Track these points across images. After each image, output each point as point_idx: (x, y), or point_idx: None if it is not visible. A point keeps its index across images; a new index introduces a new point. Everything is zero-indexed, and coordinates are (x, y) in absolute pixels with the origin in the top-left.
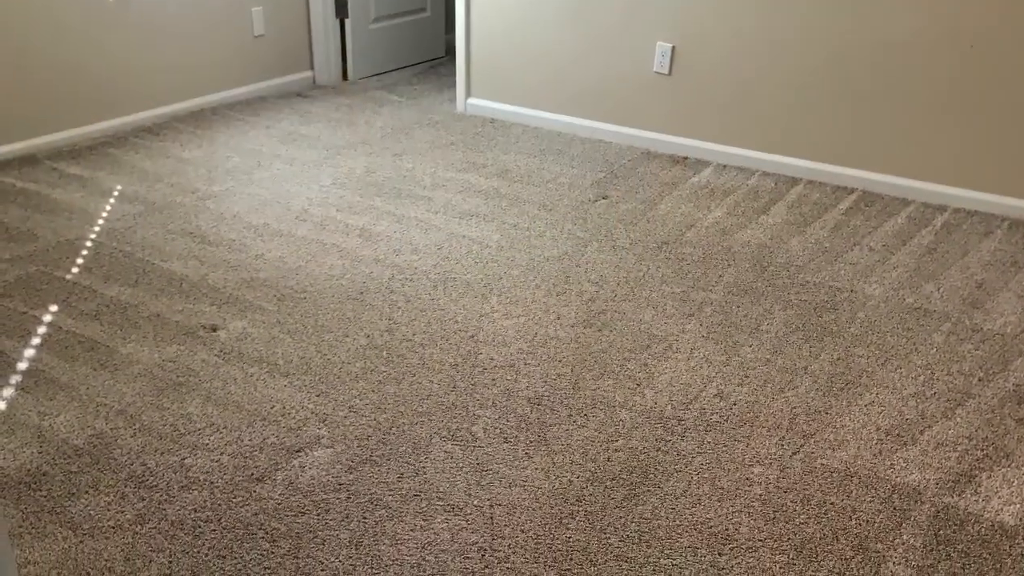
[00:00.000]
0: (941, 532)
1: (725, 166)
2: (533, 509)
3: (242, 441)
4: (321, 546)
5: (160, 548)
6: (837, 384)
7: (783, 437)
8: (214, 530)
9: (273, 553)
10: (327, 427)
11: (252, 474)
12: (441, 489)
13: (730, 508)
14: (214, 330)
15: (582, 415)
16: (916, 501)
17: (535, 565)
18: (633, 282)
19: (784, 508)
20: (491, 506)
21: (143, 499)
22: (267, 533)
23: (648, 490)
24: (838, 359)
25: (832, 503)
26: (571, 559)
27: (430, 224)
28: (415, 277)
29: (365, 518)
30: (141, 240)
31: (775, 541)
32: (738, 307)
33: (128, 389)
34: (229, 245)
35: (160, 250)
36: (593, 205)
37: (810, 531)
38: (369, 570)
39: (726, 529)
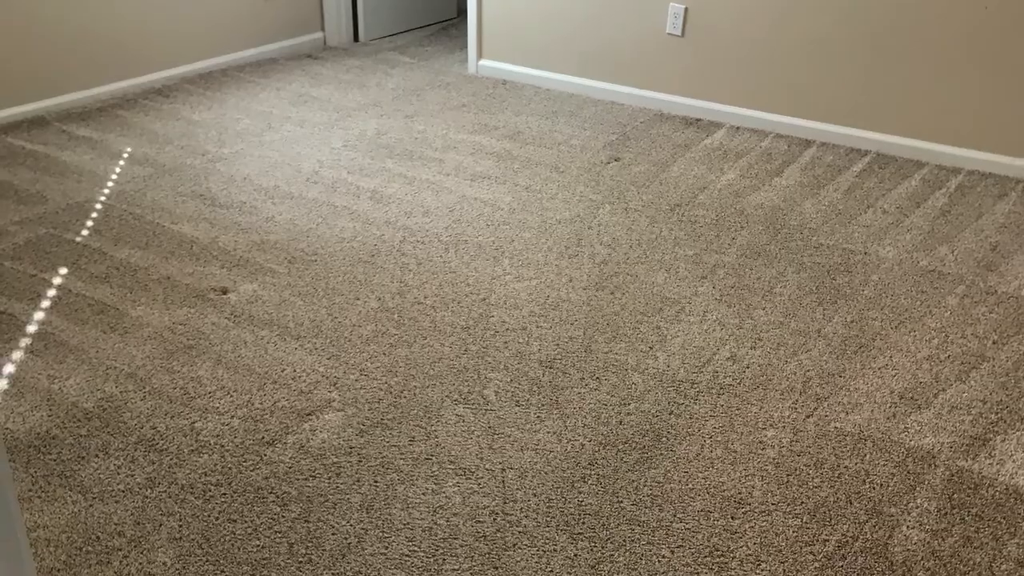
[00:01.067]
0: (955, 496)
1: (738, 128)
2: (545, 473)
3: (253, 404)
4: (332, 510)
5: (170, 512)
6: (851, 347)
7: (796, 400)
8: (224, 494)
9: (284, 517)
10: (338, 390)
11: (263, 438)
12: (453, 453)
13: (743, 472)
14: (224, 293)
15: (594, 378)
16: (930, 465)
17: (547, 529)
18: (646, 244)
19: (797, 472)
20: (503, 470)
21: (153, 463)
22: (278, 497)
23: (661, 454)
24: (852, 322)
25: (846, 467)
26: (583, 523)
27: (441, 186)
28: (426, 240)
29: (376, 482)
30: (151, 202)
31: (788, 505)
32: (751, 270)
33: (138, 352)
34: (239, 208)
35: (170, 212)
36: (605, 167)
37: (823, 495)
38: (380, 534)
39: (739, 493)
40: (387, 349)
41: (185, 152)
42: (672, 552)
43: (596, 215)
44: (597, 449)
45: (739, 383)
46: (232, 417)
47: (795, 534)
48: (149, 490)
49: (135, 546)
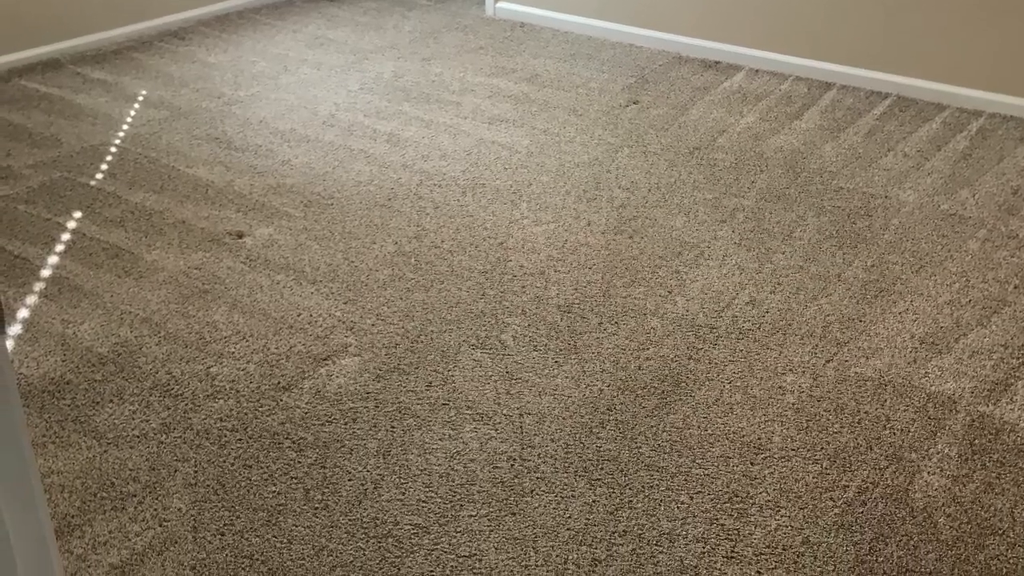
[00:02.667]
0: (976, 441)
1: (757, 71)
2: (563, 418)
3: (268, 349)
4: (348, 455)
5: (185, 457)
6: (871, 291)
7: (816, 345)
8: (240, 439)
9: (300, 463)
10: (354, 335)
11: (279, 383)
12: (470, 398)
13: (763, 417)
14: (240, 237)
15: (613, 323)
16: (951, 410)
17: (565, 475)
18: (664, 188)
19: (817, 417)
20: (520, 415)
21: (168, 408)
22: (294, 442)
23: (679, 399)
24: (872, 266)
25: (866, 412)
26: (601, 468)
27: (459, 130)
28: (444, 183)
29: (393, 427)
30: (166, 146)
31: (808, 450)
32: (771, 213)
33: (153, 297)
34: (255, 151)
35: (185, 156)
36: (624, 110)
37: (843, 440)
38: (397, 480)
39: (758, 438)
40: (404, 294)
41: (201, 95)
42: (691, 498)
43: (615, 158)
44: (615, 394)
45: (758, 328)
46: (248, 362)
47: (815, 480)
48: (164, 436)
49: (150, 492)
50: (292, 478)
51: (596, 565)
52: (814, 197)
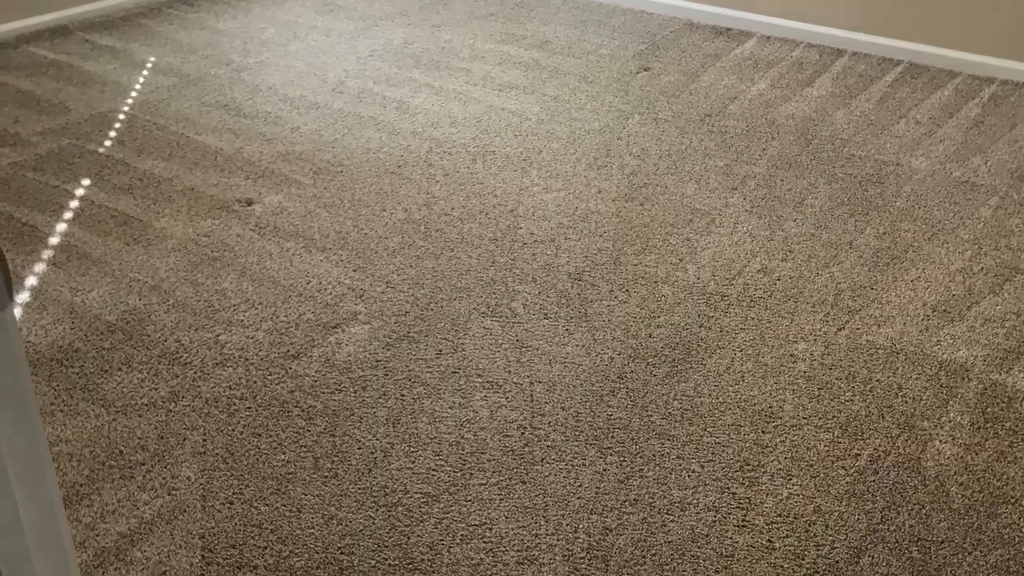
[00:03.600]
0: (989, 409)
1: (769, 37)
2: (574, 386)
3: (277, 317)
4: (358, 424)
5: (194, 426)
6: (882, 259)
7: (828, 313)
8: (248, 407)
9: (309, 431)
10: (364, 303)
11: (288, 351)
12: (480, 366)
13: (774, 385)
14: (249, 204)
15: (623, 291)
16: (963, 378)
17: (576, 443)
18: (675, 155)
19: (829, 385)
20: (531, 383)
21: (176, 376)
22: (303, 411)
23: (690, 367)
24: (884, 233)
25: (878, 380)
26: (612, 436)
27: (469, 96)
28: (453, 150)
29: (403, 395)
30: (175, 113)
31: (820, 419)
32: (782, 181)
33: (161, 264)
34: (264, 118)
35: (194, 123)
36: (635, 77)
37: (855, 408)
38: (407, 448)
39: (769, 406)
40: (414, 261)
41: (209, 62)
42: (702, 467)
43: (625, 125)
44: (626, 363)
45: (769, 296)
46: (257, 330)
47: (826, 448)
48: (173, 404)
49: (158, 460)
50: (301, 446)
51: (606, 534)
52: (826, 164)
